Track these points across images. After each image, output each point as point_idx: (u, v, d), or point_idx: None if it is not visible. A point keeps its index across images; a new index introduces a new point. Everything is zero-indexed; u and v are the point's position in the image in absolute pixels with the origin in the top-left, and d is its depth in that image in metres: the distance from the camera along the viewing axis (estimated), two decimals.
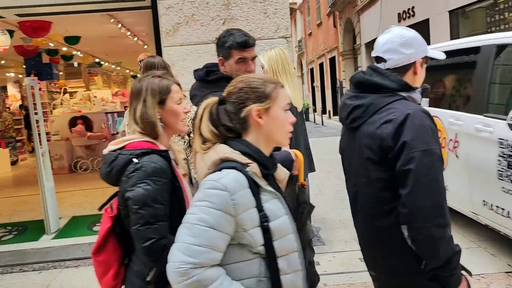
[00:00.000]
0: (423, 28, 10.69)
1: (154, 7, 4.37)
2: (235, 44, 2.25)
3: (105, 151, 1.70)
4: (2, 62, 12.53)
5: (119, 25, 9.98)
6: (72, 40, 11.15)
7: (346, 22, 18.60)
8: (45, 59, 14.05)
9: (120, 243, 1.65)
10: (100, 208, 1.72)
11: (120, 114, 12.32)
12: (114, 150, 1.67)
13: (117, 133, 11.53)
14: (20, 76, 16.50)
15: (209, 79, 2.34)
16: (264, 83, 1.44)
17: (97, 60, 15.96)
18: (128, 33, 10.91)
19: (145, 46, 13.31)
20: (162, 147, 1.68)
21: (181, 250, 1.29)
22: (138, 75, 14.47)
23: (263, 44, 4.27)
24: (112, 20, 9.38)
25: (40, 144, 5.13)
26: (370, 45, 15.75)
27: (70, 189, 7.55)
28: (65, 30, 10.42)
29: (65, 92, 14.75)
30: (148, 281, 1.57)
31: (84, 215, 5.88)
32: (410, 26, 1.95)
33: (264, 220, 1.34)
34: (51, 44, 11.83)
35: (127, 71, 21.18)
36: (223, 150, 1.40)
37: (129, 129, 1.74)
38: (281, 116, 1.44)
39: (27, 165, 11.65)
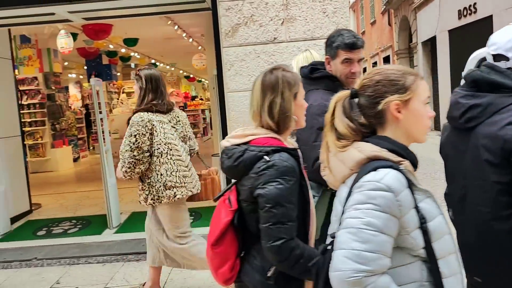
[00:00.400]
0: (485, 26, 10.22)
1: (214, 8, 4.44)
2: (342, 45, 2.30)
3: (226, 144, 1.70)
4: (66, 63, 13.22)
5: (176, 27, 10.25)
6: (130, 42, 11.57)
7: (401, 20, 18.12)
8: (105, 60, 14.69)
9: (238, 236, 1.67)
10: (216, 200, 1.74)
11: None
12: (238, 145, 1.66)
13: None
14: (81, 77, 17.31)
15: (312, 76, 2.37)
16: (403, 75, 1.36)
17: (152, 61, 16.47)
18: (184, 34, 11.18)
19: (199, 47, 13.58)
20: (287, 144, 1.67)
21: (351, 258, 1.20)
22: (191, 75, 14.77)
23: (322, 44, 4.24)
24: (169, 22, 9.65)
25: (104, 142, 5.35)
26: (427, 43, 15.24)
27: (128, 186, 7.83)
28: (124, 33, 10.82)
29: (122, 92, 15.33)
30: (268, 276, 1.59)
31: (143, 211, 6.05)
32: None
33: (422, 221, 1.26)
34: (111, 46, 12.33)
35: (181, 71, 21.71)
36: (370, 149, 1.31)
37: (254, 122, 1.70)
38: (421, 110, 1.35)
39: (87, 162, 12.21)
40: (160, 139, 3.16)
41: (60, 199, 7.17)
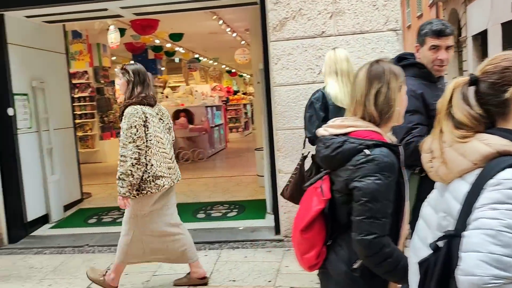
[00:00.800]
0: None
1: (261, 2, 4.46)
2: (430, 32, 2.39)
3: (324, 133, 1.71)
4: (113, 58, 13.60)
5: (220, 22, 10.34)
6: (176, 37, 11.77)
7: (450, 13, 17.50)
8: (150, 55, 15.02)
9: (326, 224, 1.69)
10: (306, 187, 1.77)
11: (218, 108, 12.79)
12: (336, 135, 1.66)
13: (216, 126, 11.99)
14: None
15: (399, 64, 2.41)
16: None
17: (196, 55, 16.69)
18: (228, 29, 11.26)
19: (242, 42, 13.65)
20: (388, 140, 1.66)
21: (488, 262, 1.10)
22: (233, 70, 14.90)
23: (370, 38, 4.18)
24: (214, 17, 9.75)
25: None
26: (477, 37, 14.66)
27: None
28: (170, 28, 11.02)
29: (166, 87, 15.65)
30: (354, 268, 1.61)
31: (188, 203, 6.22)
32: None
33: None
34: (157, 41, 12.59)
35: (223, 66, 21.90)
36: (499, 142, 1.21)
37: (350, 111, 1.71)
38: None
39: None
40: (152, 131, 3.26)
41: (108, 189, 7.43)
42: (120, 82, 3.43)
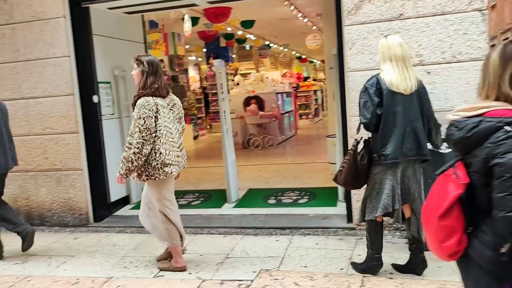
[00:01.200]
0: None
1: None
2: None
3: (455, 117, 1.71)
4: (187, 46, 14.01)
5: (292, 7, 10.26)
6: (247, 24, 11.86)
7: None
8: (222, 43, 15.28)
9: (464, 210, 1.68)
10: (439, 174, 1.76)
11: (288, 94, 12.76)
12: (469, 117, 1.66)
13: (286, 112, 11.99)
14: (200, 59, 18.25)
15: None
16: None
17: (267, 42, 16.73)
18: (299, 14, 11.16)
19: (314, 27, 13.45)
20: None
21: None
22: (303, 56, 14.70)
23: (453, 19, 3.95)
24: (285, 3, 9.70)
25: (225, 121, 5.61)
26: None
27: (245, 164, 8.18)
28: (241, 15, 11.12)
29: (237, 74, 15.85)
30: (502, 253, 1.58)
31: (259, 188, 6.32)
32: None
33: None
34: (229, 29, 12.77)
35: (293, 52, 21.77)
36: None
37: (481, 95, 1.70)
38: None
39: (206, 140, 12.95)
40: (162, 122, 3.45)
41: (184, 173, 7.63)
42: (135, 73, 3.59)
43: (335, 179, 3.45)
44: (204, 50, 16.17)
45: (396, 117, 3.13)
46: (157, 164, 3.47)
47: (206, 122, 14.54)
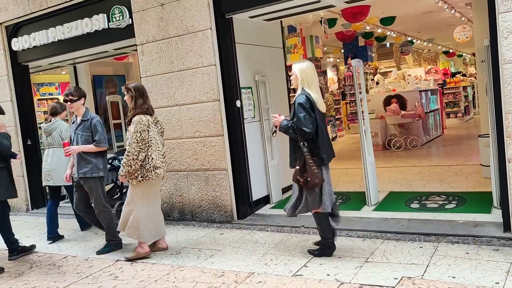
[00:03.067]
0: None
1: None
2: None
3: None
4: (325, 48, 14.02)
5: None
6: (387, 21, 11.42)
7: None
8: (361, 42, 14.95)
9: None
10: None
11: (433, 92, 11.93)
12: None
13: (431, 111, 11.24)
14: (338, 60, 18.11)
15: None
16: None
17: (408, 38, 15.89)
18: (445, 6, 10.37)
19: (462, 19, 12.36)
20: None
21: None
22: (450, 50, 13.62)
23: None
24: None
25: (363, 122, 5.47)
26: None
27: (385, 165, 7.87)
28: (381, 12, 10.75)
29: (376, 73, 15.34)
30: None
31: (401, 191, 6.02)
32: None
33: None
34: (367, 27, 12.44)
35: (439, 47, 20.28)
36: None
37: None
38: None
39: (344, 141, 12.78)
40: (152, 134, 4.40)
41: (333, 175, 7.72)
42: (126, 98, 4.51)
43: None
44: (342, 51, 16.00)
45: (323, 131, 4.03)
46: (150, 167, 4.38)
47: (344, 123, 14.37)
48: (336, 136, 12.74)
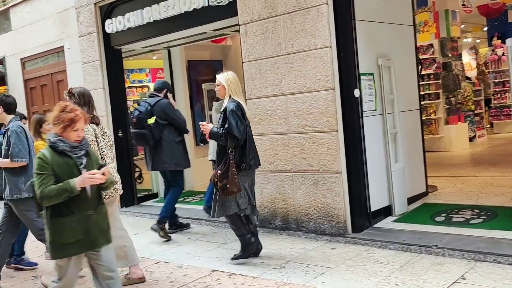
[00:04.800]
0: None
1: None
2: None
3: None
4: (462, 26, 13.18)
5: None
6: None
7: None
8: (510, 17, 13.85)
9: None
10: None
11: None
12: None
13: None
14: (477, 41, 16.98)
15: None
16: None
17: None
18: None
19: None
20: None
21: None
22: None
23: None
24: None
25: None
26: None
27: None
28: None
29: None
30: None
31: None
32: None
33: None
34: None
35: None
36: None
37: None
38: None
39: (484, 142, 11.96)
40: (103, 145, 4.43)
41: (457, 183, 7.30)
42: None
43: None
44: (485, 28, 14.96)
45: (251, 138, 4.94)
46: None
47: (485, 120, 13.43)
48: (474, 136, 11.94)
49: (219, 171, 4.67)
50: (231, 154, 4.66)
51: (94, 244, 3.42)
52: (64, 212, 3.32)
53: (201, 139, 5.10)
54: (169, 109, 6.16)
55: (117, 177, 4.49)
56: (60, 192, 3.22)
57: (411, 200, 6.26)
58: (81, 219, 3.35)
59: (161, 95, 6.26)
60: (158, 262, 5.23)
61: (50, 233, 3.36)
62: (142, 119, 6.15)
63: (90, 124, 4.41)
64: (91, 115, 4.42)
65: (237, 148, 4.72)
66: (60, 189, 3.22)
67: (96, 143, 4.38)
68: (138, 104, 6.66)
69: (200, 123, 5.01)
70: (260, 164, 5.08)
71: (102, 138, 4.54)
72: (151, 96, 6.44)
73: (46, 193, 3.22)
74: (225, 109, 4.76)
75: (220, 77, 4.89)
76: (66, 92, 4.61)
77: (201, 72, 9.41)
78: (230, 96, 4.82)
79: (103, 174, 3.34)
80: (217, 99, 6.84)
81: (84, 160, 3.43)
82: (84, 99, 4.51)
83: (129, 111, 8.04)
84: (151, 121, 6.12)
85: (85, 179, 3.29)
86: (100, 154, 4.38)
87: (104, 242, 3.47)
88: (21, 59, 10.57)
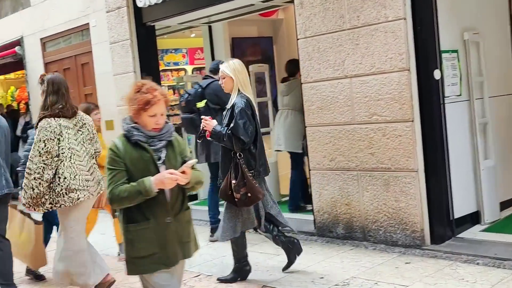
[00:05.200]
0: None
1: None
2: None
3: None
4: None
5: None
6: None
7: None
8: None
9: None
10: None
11: None
12: None
13: None
14: None
15: None
16: None
17: None
18: None
19: None
20: None
21: None
22: None
23: None
24: None
25: None
26: None
27: None
28: None
29: None
30: None
31: None
32: None
33: None
34: None
35: None
36: None
37: None
38: None
39: None
40: (65, 144, 4.44)
41: None
42: (40, 92, 4.68)
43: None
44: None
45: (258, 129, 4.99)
46: (61, 190, 4.39)
47: None
48: None
49: (233, 181, 4.63)
50: (240, 159, 4.67)
51: (173, 260, 3.23)
52: (137, 218, 3.15)
53: (199, 136, 5.02)
54: (222, 92, 6.13)
55: (76, 183, 4.48)
56: (133, 194, 3.04)
57: (504, 205, 6.15)
58: (157, 228, 3.15)
59: (217, 77, 6.26)
60: (199, 275, 5.34)
61: (124, 242, 3.25)
62: (191, 101, 6.27)
63: (55, 118, 4.50)
64: (59, 106, 4.55)
65: (245, 152, 4.74)
66: (132, 190, 3.04)
67: (55, 142, 4.41)
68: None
69: (202, 117, 5.00)
70: (269, 173, 5.09)
71: (79, 131, 4.64)
72: (205, 78, 6.55)
73: (117, 194, 3.06)
74: (233, 106, 4.75)
75: (226, 67, 4.87)
76: (39, 79, 4.81)
77: (248, 51, 9.46)
78: (238, 90, 4.81)
79: (183, 172, 3.08)
80: (284, 79, 7.17)
81: (163, 154, 3.21)
82: (53, 87, 4.60)
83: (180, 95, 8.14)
84: (200, 104, 6.20)
85: (163, 179, 3.05)
86: (58, 154, 4.41)
87: (181, 257, 3.30)
88: (41, 39, 10.79)
